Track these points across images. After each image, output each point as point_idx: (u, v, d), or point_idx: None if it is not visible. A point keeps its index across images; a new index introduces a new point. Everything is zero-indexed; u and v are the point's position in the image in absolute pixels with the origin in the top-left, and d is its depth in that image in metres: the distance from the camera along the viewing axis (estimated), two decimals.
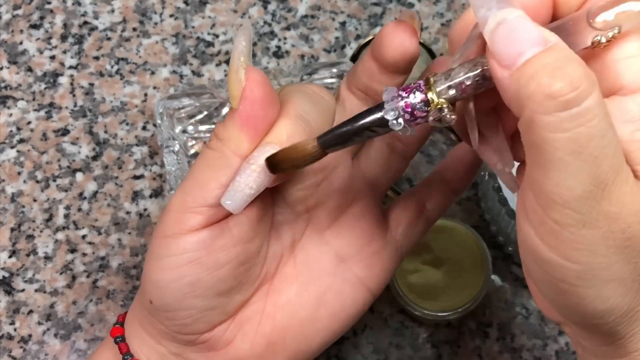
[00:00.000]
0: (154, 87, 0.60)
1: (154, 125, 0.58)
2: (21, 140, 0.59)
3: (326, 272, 0.36)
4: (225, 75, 0.60)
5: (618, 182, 0.26)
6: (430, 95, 0.29)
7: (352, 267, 0.36)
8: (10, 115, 0.59)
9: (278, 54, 0.60)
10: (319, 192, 0.36)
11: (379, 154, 0.38)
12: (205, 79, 0.60)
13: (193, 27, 0.61)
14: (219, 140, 0.32)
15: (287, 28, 0.61)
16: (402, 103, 0.29)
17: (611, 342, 0.30)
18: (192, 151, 0.53)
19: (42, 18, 0.62)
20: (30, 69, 0.61)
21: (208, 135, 0.53)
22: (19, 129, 0.59)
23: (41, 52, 0.61)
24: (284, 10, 0.62)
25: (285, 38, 0.61)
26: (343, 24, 0.61)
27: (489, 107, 0.31)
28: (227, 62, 0.60)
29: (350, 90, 0.37)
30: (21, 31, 0.62)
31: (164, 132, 0.53)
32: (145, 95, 0.59)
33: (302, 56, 0.60)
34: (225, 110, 0.54)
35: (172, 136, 0.53)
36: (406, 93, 0.30)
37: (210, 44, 0.61)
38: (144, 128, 0.59)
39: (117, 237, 0.56)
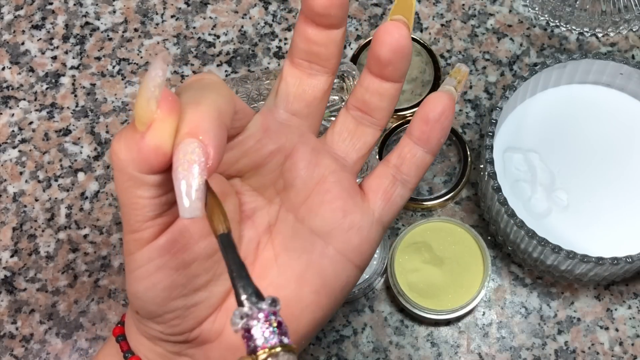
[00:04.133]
0: None
1: None
2: (23, 140, 0.59)
3: (303, 251, 0.36)
4: (227, 76, 0.60)
5: None
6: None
7: (329, 242, 0.36)
8: (12, 115, 0.60)
9: (279, 55, 0.60)
10: (284, 174, 0.36)
11: (343, 127, 0.38)
12: None
13: (194, 27, 0.62)
14: (120, 161, 0.31)
15: (288, 29, 0.61)
16: (243, 323, 0.28)
17: None
18: None
19: (43, 19, 0.62)
20: (32, 70, 0.61)
21: None
22: (20, 129, 0.59)
23: (43, 53, 0.61)
24: (285, 10, 0.62)
25: (286, 39, 0.61)
26: None
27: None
28: (228, 62, 0.60)
29: (294, 64, 0.36)
30: (23, 32, 0.62)
31: None
32: None
33: None
34: None
35: None
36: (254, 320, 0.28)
37: (211, 45, 0.61)
38: None
39: (118, 236, 0.56)
